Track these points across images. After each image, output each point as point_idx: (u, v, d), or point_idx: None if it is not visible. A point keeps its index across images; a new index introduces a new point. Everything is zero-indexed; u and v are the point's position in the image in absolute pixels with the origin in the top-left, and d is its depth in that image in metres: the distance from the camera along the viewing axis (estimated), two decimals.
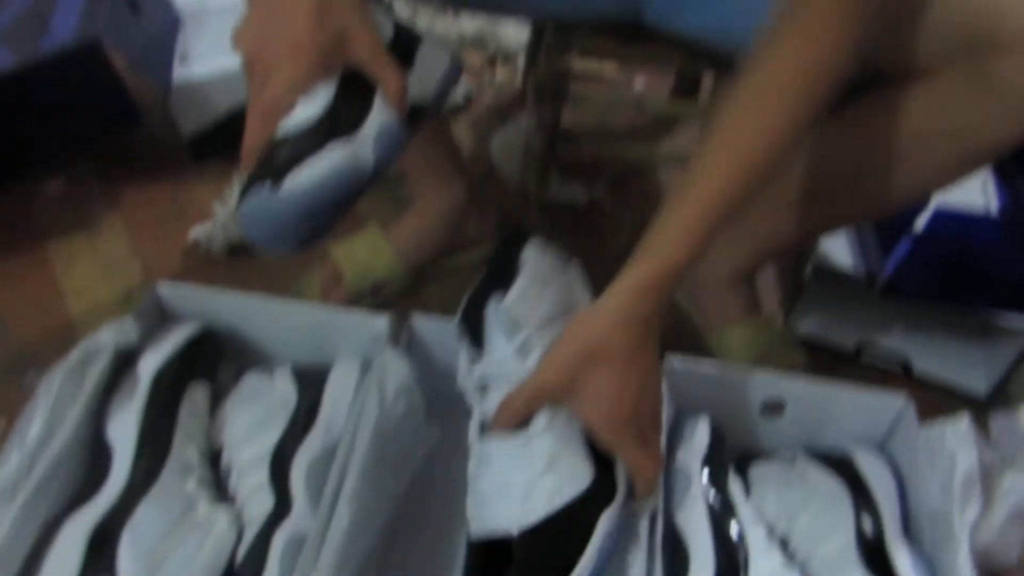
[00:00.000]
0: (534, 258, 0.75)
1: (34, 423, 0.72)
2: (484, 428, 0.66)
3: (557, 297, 0.73)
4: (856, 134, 0.79)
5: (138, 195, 1.21)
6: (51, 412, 0.72)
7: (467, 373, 0.70)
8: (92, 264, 1.10)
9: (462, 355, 0.72)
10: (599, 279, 1.11)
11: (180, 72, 1.20)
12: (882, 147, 0.76)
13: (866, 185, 0.80)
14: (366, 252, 1.04)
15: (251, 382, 0.81)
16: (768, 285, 1.12)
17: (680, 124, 1.41)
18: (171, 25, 1.27)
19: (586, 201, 1.24)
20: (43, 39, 1.17)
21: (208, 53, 1.23)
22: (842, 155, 0.81)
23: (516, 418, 0.64)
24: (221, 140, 1.24)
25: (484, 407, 0.67)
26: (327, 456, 0.71)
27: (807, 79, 0.61)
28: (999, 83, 0.66)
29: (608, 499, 0.62)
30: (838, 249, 1.02)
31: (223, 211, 1.12)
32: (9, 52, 1.16)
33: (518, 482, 0.61)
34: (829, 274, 1.00)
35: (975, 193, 1.02)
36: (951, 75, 0.70)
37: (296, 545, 0.64)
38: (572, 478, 0.61)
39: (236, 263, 1.11)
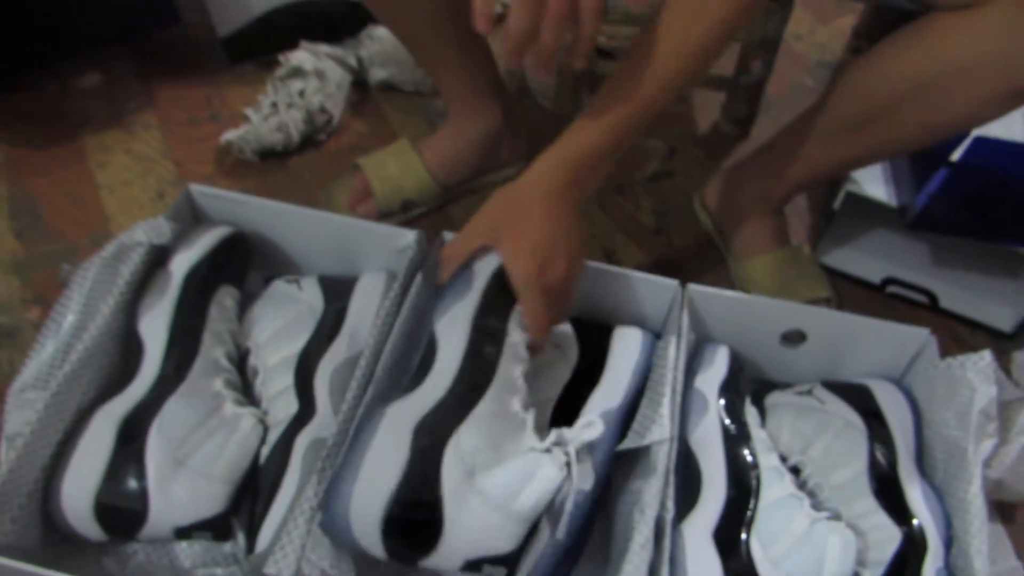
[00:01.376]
0: None
1: (68, 313, 0.74)
2: None
3: None
4: (896, 65, 0.78)
5: (173, 94, 1.21)
6: (85, 304, 0.74)
7: None
8: (126, 161, 1.11)
9: None
10: (626, 204, 1.11)
11: None
12: (923, 79, 0.75)
13: (904, 117, 0.79)
14: (397, 169, 1.04)
15: (279, 289, 0.83)
16: (797, 215, 1.11)
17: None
18: None
19: None
20: None
21: None
22: (882, 86, 0.79)
23: (456, 262, 0.68)
24: (257, 43, 1.23)
25: None
26: (350, 364, 0.72)
27: (720, 15, 0.66)
28: None
29: None
30: (871, 179, 1.00)
31: (256, 116, 1.12)
32: None
33: None
34: (859, 204, 0.99)
35: (1016, 125, 1.00)
36: (995, 9, 0.68)
37: (318, 447, 0.66)
38: None
39: (267, 168, 1.11)
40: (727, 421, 0.70)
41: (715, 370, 0.74)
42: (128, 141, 1.14)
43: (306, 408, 0.70)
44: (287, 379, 0.72)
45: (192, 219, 0.84)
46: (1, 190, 1.06)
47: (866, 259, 1.05)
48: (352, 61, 1.22)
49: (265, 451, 0.69)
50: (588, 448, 0.62)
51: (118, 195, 1.07)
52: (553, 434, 0.61)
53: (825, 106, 0.87)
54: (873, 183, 1.00)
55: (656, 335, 0.80)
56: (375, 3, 0.92)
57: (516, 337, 0.66)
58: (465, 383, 0.61)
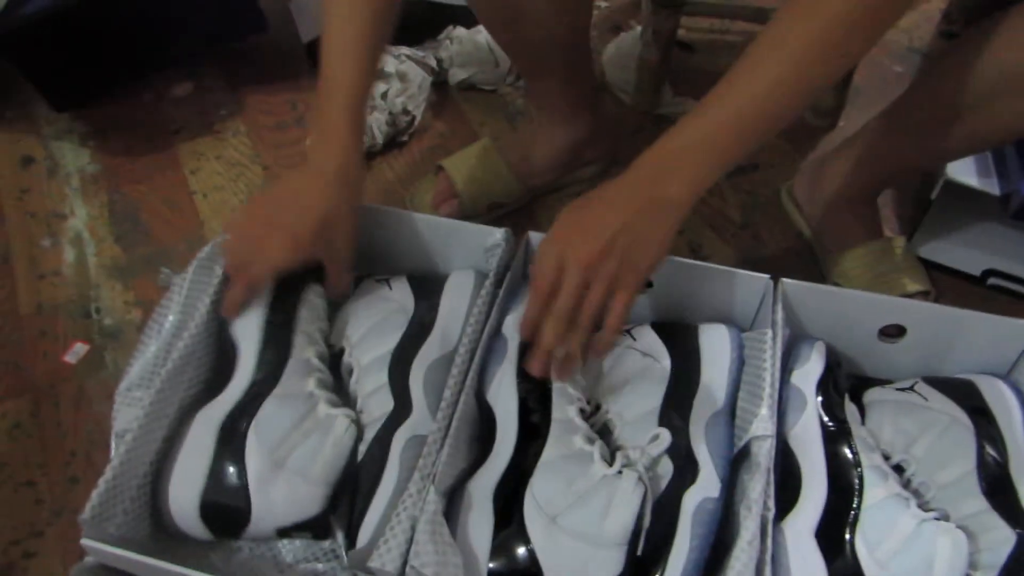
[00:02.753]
0: None
1: (169, 315, 0.77)
2: None
3: None
4: (991, 55, 0.74)
5: (260, 100, 1.24)
6: (184, 304, 0.76)
7: None
8: (217, 166, 1.15)
9: None
10: (711, 198, 1.09)
11: None
12: (1001, 75, 0.72)
13: (1001, 108, 0.76)
14: (483, 172, 1.04)
15: (369, 288, 0.84)
16: (891, 206, 1.08)
17: None
18: None
19: None
20: None
21: None
22: (976, 77, 0.76)
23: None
24: None
25: None
26: (444, 362, 0.73)
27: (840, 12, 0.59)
28: None
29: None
30: (969, 167, 0.96)
31: None
32: None
33: None
34: (958, 193, 0.95)
35: None
36: None
37: (415, 445, 0.67)
38: None
39: None
40: (826, 418, 0.68)
41: (812, 366, 0.72)
42: (219, 147, 1.17)
43: (401, 406, 0.70)
44: (381, 377, 0.73)
45: None
46: (102, 197, 1.11)
47: (965, 250, 1.01)
48: (432, 62, 1.23)
49: (362, 448, 0.69)
50: (709, 455, 0.63)
51: (211, 200, 1.10)
52: (620, 457, 0.63)
53: (916, 97, 0.85)
54: (972, 171, 0.96)
55: (743, 331, 0.79)
56: (490, 22, 0.93)
57: (561, 382, 0.68)
58: (525, 439, 0.65)
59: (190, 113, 1.23)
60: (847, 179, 0.95)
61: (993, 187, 0.93)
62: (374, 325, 0.79)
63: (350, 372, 0.77)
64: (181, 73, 1.28)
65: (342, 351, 0.78)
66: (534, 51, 0.95)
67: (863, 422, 0.73)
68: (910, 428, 0.70)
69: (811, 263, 1.01)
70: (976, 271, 1.00)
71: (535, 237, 0.81)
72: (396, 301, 0.81)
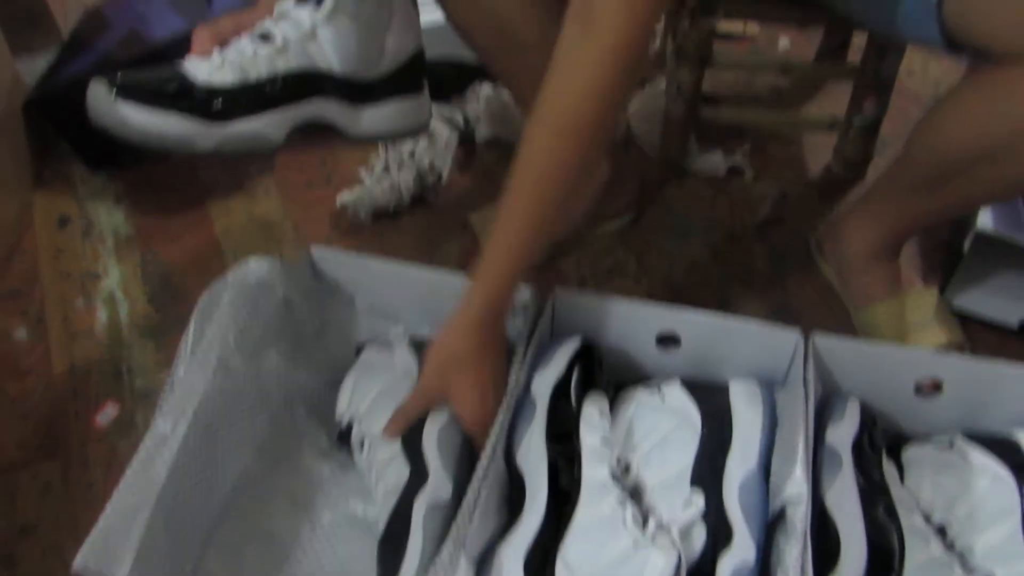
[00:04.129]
0: None
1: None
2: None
3: None
4: (962, 123, 0.75)
5: (290, 159, 1.26)
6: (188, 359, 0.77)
7: None
8: (248, 225, 1.16)
9: None
10: (739, 252, 1.09)
11: None
12: (993, 130, 0.72)
13: (982, 174, 0.76)
14: None
15: (370, 357, 0.84)
16: (923, 255, 1.06)
17: (827, 87, 1.35)
18: None
19: (727, 169, 1.20)
20: (212, 3, 1.23)
21: None
22: (950, 146, 0.77)
23: (406, 422, 0.73)
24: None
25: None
26: (456, 423, 0.73)
27: (599, 82, 0.65)
28: None
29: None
30: (1002, 217, 0.95)
31: (369, 177, 1.15)
32: (178, 16, 1.22)
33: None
34: (991, 243, 0.94)
35: None
36: None
37: (437, 511, 0.66)
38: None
39: (380, 228, 1.14)
40: (863, 479, 0.66)
41: (846, 424, 0.71)
42: (250, 206, 1.19)
43: (418, 471, 0.70)
44: (395, 444, 0.73)
45: (312, 278, 0.86)
46: (135, 257, 1.13)
47: (1000, 300, 0.99)
48: (459, 120, 1.25)
49: (383, 518, 0.69)
50: (743, 518, 0.63)
51: (241, 257, 1.10)
52: (653, 520, 0.62)
53: (905, 162, 0.86)
54: (1003, 220, 0.95)
55: (774, 387, 0.78)
56: (498, 68, 0.95)
57: (590, 440, 0.68)
58: (556, 502, 0.65)
59: (221, 172, 1.25)
60: (868, 234, 0.95)
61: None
62: (381, 393, 0.78)
63: (360, 444, 0.77)
64: None
65: (350, 426, 0.79)
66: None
67: (902, 481, 0.71)
68: (951, 487, 0.69)
69: (843, 315, 1.00)
70: (1013, 321, 0.98)
71: (562, 294, 0.81)
72: (400, 366, 0.81)
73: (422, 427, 0.73)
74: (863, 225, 0.96)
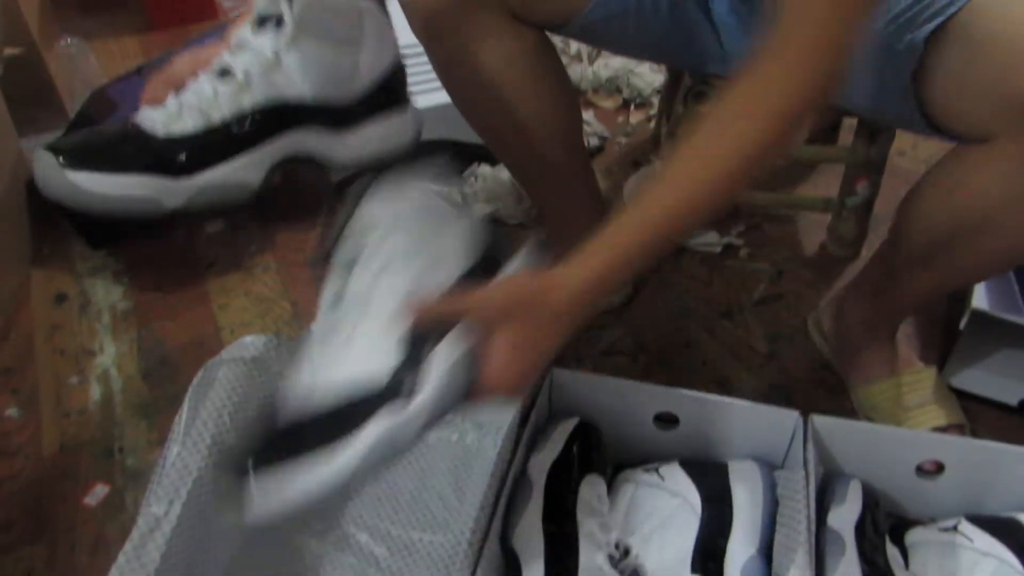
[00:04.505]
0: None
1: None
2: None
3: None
4: (936, 205, 0.77)
5: (289, 237, 1.27)
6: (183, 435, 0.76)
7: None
8: (246, 302, 1.16)
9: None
10: (736, 330, 1.09)
11: None
12: (968, 211, 0.73)
13: (968, 245, 0.76)
14: None
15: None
16: (920, 334, 1.07)
17: (821, 166, 1.37)
18: None
19: (722, 247, 1.21)
20: None
21: None
22: (941, 215, 0.77)
23: (431, 313, 0.62)
24: None
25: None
26: (468, 362, 0.62)
27: (780, 109, 0.61)
28: None
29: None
30: (997, 294, 0.96)
31: None
32: None
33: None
34: (987, 322, 0.94)
35: None
36: (1007, 144, 0.66)
37: (387, 442, 0.59)
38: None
39: None
40: (867, 564, 0.65)
41: (848, 507, 0.70)
42: (248, 283, 1.20)
43: (400, 381, 0.60)
44: (394, 328, 0.62)
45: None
46: (131, 333, 1.12)
47: (1000, 379, 0.99)
48: (457, 198, 1.26)
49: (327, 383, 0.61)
50: None
51: (238, 335, 1.10)
52: None
53: (893, 241, 0.87)
54: (999, 295, 0.96)
55: (775, 468, 0.77)
56: (499, 146, 0.97)
57: (588, 524, 0.67)
58: None
59: (221, 249, 1.26)
60: (863, 313, 0.95)
61: (1021, 315, 0.93)
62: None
63: (346, 274, 0.68)
64: (215, 209, 1.32)
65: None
66: (535, 174, 0.99)
67: (906, 566, 0.70)
68: (956, 571, 0.67)
69: (842, 395, 0.99)
70: (1013, 400, 0.97)
71: (559, 374, 0.81)
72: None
73: (436, 342, 0.62)
74: (858, 304, 0.96)
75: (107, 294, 1.19)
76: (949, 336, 1.01)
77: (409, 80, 1.29)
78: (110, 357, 1.09)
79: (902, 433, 0.76)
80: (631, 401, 0.80)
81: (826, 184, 1.30)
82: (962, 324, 0.95)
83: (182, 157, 0.72)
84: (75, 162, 0.71)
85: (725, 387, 1.02)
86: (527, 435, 0.74)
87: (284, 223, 1.29)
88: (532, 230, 1.26)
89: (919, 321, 1.08)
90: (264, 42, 0.76)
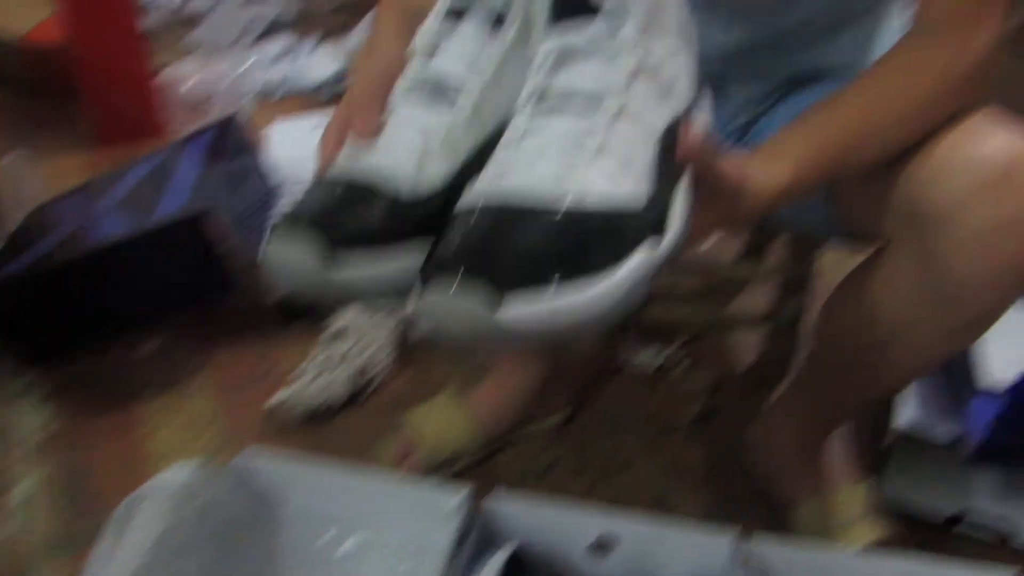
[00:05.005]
0: None
1: None
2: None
3: None
4: (857, 304, 0.78)
5: (228, 357, 1.26)
6: None
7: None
8: (177, 426, 1.14)
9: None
10: (674, 447, 1.09)
11: None
12: (876, 319, 0.75)
13: (879, 354, 0.78)
14: (442, 422, 1.05)
15: None
16: (850, 450, 1.08)
17: (748, 286, 1.41)
18: (270, 194, 1.35)
19: (661, 363, 1.23)
20: (158, 207, 1.26)
21: None
22: (852, 325, 0.79)
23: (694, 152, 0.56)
24: (307, 304, 1.29)
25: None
26: None
27: (947, 69, 0.64)
28: (940, 256, 0.65)
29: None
30: (918, 409, 0.98)
31: (304, 376, 1.15)
32: (125, 218, 1.25)
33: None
34: (911, 440, 0.96)
35: None
36: (905, 250, 0.69)
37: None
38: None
39: (314, 429, 1.13)
40: None
41: None
42: (181, 406, 1.17)
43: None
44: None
45: (239, 483, 0.84)
46: (53, 461, 1.08)
47: (928, 495, 1.00)
48: (398, 317, 1.27)
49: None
50: None
51: (167, 463, 1.07)
52: None
53: (813, 355, 0.89)
54: (921, 411, 0.98)
55: None
56: None
57: None
58: None
59: (155, 370, 1.24)
60: (793, 429, 0.97)
61: (943, 431, 0.95)
62: None
63: None
64: (148, 330, 1.30)
65: None
66: None
67: None
68: None
69: (782, 512, 0.99)
70: (941, 517, 0.98)
71: (493, 498, 0.80)
72: None
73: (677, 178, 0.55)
74: (787, 420, 0.97)
75: (31, 419, 1.15)
76: (879, 452, 1.02)
77: None
78: (28, 488, 1.05)
79: (839, 556, 0.76)
80: (567, 525, 0.79)
81: (759, 300, 1.34)
82: (887, 440, 0.97)
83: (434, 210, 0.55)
84: (340, 243, 0.53)
85: (664, 505, 1.01)
86: (464, 560, 0.73)
87: (223, 343, 1.28)
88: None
89: (850, 435, 1.10)
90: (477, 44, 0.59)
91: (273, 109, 1.93)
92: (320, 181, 0.56)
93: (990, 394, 0.93)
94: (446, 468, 1.04)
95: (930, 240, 0.65)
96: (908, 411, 0.97)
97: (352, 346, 1.18)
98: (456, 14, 0.59)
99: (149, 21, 2.32)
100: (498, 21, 0.58)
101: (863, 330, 0.78)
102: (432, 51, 0.59)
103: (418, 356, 1.26)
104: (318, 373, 1.16)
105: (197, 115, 1.90)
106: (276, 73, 2.03)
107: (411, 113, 0.57)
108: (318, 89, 2.00)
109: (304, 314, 1.30)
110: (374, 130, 0.56)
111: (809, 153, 0.63)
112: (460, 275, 0.45)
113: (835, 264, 1.43)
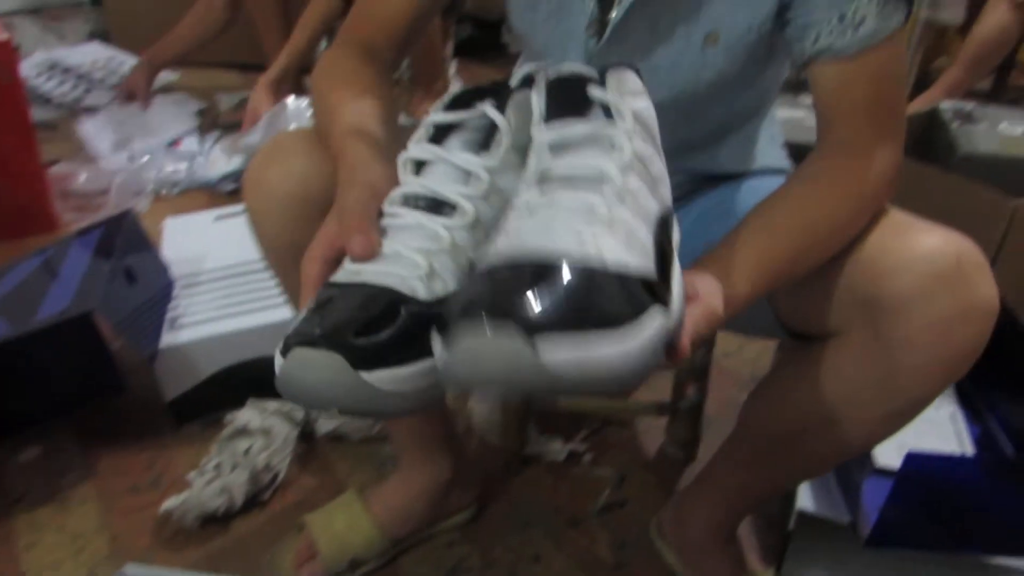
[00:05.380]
0: None
1: None
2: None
3: None
4: (783, 400, 0.81)
5: (114, 462, 1.19)
6: None
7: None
8: (58, 539, 1.06)
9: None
10: (581, 539, 1.08)
11: (168, 337, 1.23)
12: (816, 404, 0.77)
13: (814, 439, 0.80)
14: (344, 525, 1.01)
15: None
16: (758, 535, 1.09)
17: (655, 376, 1.43)
18: (164, 291, 1.31)
19: (566, 454, 1.23)
20: (40, 309, 1.20)
21: (197, 318, 1.26)
22: (787, 410, 0.82)
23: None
24: (204, 403, 1.24)
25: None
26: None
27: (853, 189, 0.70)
28: (895, 343, 0.68)
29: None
30: (817, 496, 1.00)
31: (198, 480, 1.10)
32: (5, 322, 1.19)
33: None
34: (813, 524, 0.98)
35: (946, 429, 1.02)
36: (855, 339, 0.72)
37: None
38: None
39: (209, 535, 1.07)
40: None
41: None
42: (62, 517, 1.10)
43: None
44: None
45: None
46: None
47: None
48: (299, 414, 1.23)
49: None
50: None
51: None
52: None
53: (734, 440, 0.91)
54: (819, 498, 1.00)
55: None
56: None
57: None
58: None
59: (35, 479, 1.16)
60: (703, 516, 0.97)
61: (842, 515, 0.97)
62: None
63: None
64: (30, 435, 1.23)
65: None
66: None
67: None
68: None
69: None
70: None
71: None
72: None
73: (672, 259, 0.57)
74: (698, 507, 0.98)
75: None
76: (783, 537, 1.04)
77: (248, 299, 1.29)
78: None
79: None
80: None
81: (660, 389, 1.36)
82: (790, 525, 0.98)
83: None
84: (367, 360, 0.51)
85: None
86: None
87: (108, 448, 1.22)
88: (377, 445, 1.24)
89: (757, 522, 1.11)
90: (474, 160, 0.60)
91: (171, 204, 1.90)
92: (329, 293, 0.54)
93: (883, 476, 0.96)
94: (348, 573, 1.00)
95: (886, 329, 0.68)
96: (808, 494, 0.99)
97: (252, 444, 1.14)
98: (442, 130, 0.61)
99: (43, 114, 2.28)
100: (484, 132, 0.61)
101: (797, 417, 0.80)
102: (420, 170, 0.60)
103: (319, 454, 1.22)
104: (215, 475, 1.11)
105: (91, 210, 1.86)
106: (174, 168, 2.01)
107: (410, 224, 0.57)
108: (216, 184, 1.98)
109: (197, 414, 1.25)
110: (373, 251, 0.56)
111: (757, 273, 0.67)
112: (491, 318, 0.44)
113: (736, 348, 1.48)
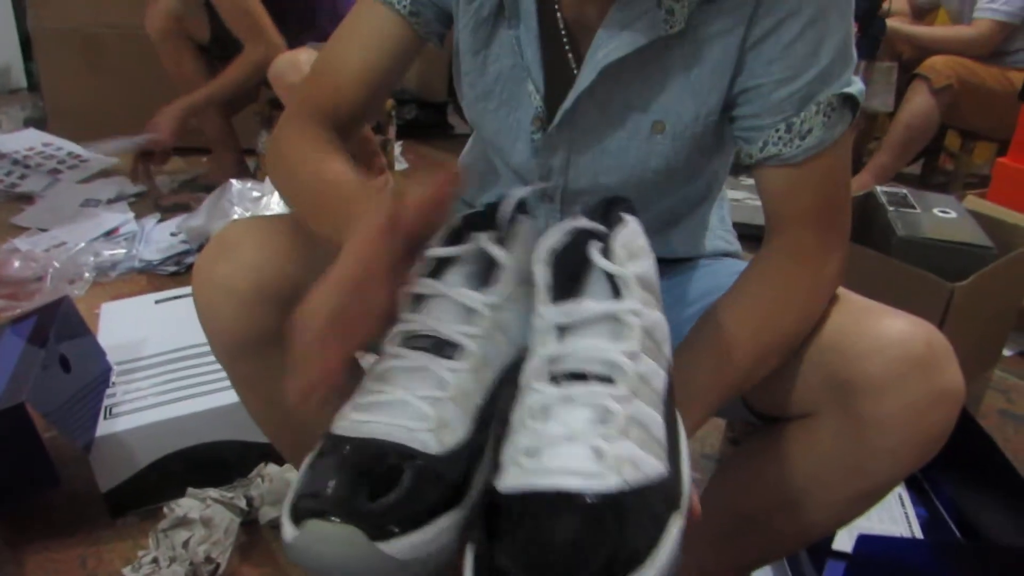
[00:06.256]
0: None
1: None
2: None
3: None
4: (763, 469, 0.81)
5: (45, 560, 1.13)
6: None
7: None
8: None
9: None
10: None
11: (104, 425, 1.19)
12: (785, 482, 0.77)
13: (781, 518, 0.80)
14: None
15: None
16: None
17: None
18: (101, 378, 1.28)
19: None
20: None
21: (135, 405, 1.22)
22: (755, 488, 0.82)
23: None
24: (142, 493, 1.20)
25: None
26: None
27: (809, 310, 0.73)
28: (868, 424, 0.69)
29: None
30: (778, 571, 1.00)
31: (139, 571, 1.05)
32: None
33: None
34: None
35: (895, 511, 1.04)
36: (826, 420, 0.73)
37: None
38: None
39: None
40: None
41: None
42: None
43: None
44: None
45: None
46: None
47: None
48: (242, 502, 1.19)
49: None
50: None
51: None
52: None
53: (709, 514, 0.90)
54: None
55: None
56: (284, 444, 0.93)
57: None
58: None
59: None
60: None
61: None
62: None
63: None
64: None
65: None
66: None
67: None
68: None
69: None
70: None
71: None
72: None
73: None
74: None
75: None
76: None
77: (188, 384, 1.26)
78: None
79: None
80: None
81: None
82: None
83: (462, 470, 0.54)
84: (383, 529, 0.48)
85: None
86: None
87: (37, 543, 1.16)
88: None
89: None
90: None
91: (109, 289, 1.87)
92: (335, 445, 0.53)
93: (840, 557, 0.96)
94: None
95: (858, 410, 0.69)
96: (768, 574, 0.98)
97: (192, 535, 1.10)
98: (440, 264, 0.60)
99: None
100: (484, 264, 0.60)
101: (765, 495, 0.79)
102: (420, 308, 0.58)
103: (262, 542, 1.18)
104: (152, 570, 1.06)
105: (25, 298, 1.81)
106: (112, 253, 1.98)
107: (415, 367, 0.55)
108: (156, 267, 1.96)
109: (134, 505, 1.21)
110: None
111: (714, 396, 0.70)
112: None
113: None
